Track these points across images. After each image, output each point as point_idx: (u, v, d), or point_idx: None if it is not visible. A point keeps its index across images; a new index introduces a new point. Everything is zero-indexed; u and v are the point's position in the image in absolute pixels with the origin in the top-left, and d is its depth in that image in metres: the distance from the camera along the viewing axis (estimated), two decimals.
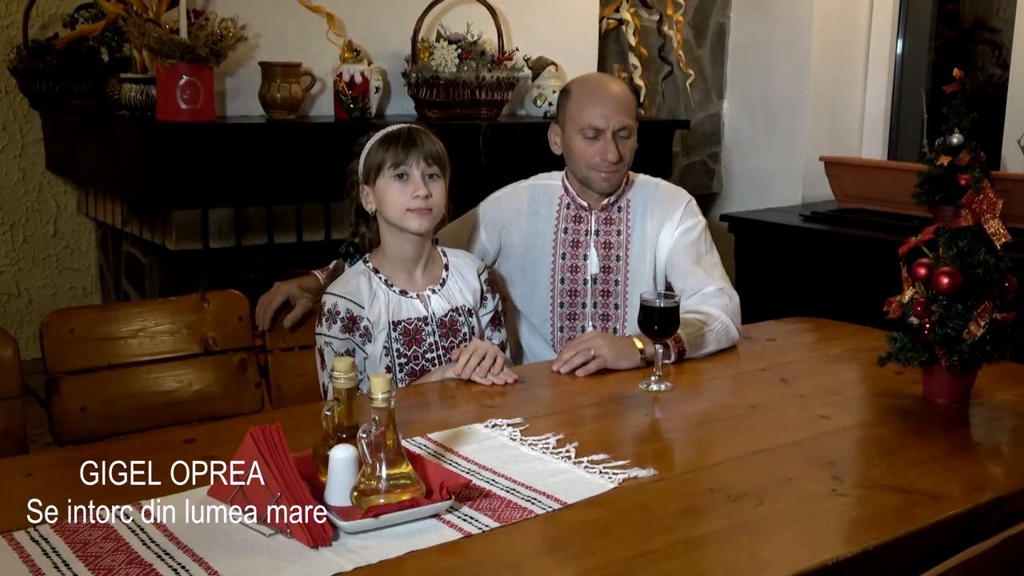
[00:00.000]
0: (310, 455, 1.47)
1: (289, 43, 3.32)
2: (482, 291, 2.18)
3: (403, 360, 2.07)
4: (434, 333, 2.09)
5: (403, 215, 2.01)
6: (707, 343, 2.17)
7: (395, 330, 2.06)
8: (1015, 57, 3.89)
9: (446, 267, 2.15)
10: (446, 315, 2.10)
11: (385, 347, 2.06)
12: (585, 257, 2.37)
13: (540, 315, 2.41)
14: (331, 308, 2.04)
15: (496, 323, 2.23)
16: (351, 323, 2.03)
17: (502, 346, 2.21)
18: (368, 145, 2.06)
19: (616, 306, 2.38)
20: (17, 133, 3.77)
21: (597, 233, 2.38)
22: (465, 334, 2.11)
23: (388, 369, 2.06)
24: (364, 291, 2.05)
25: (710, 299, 2.25)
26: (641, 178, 2.44)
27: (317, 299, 2.22)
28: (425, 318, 2.09)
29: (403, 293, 2.08)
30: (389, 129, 2.05)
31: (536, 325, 2.42)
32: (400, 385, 2.04)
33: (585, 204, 2.38)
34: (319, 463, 1.44)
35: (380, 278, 2.08)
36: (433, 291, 2.11)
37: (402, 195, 2.00)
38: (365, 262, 2.10)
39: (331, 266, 2.27)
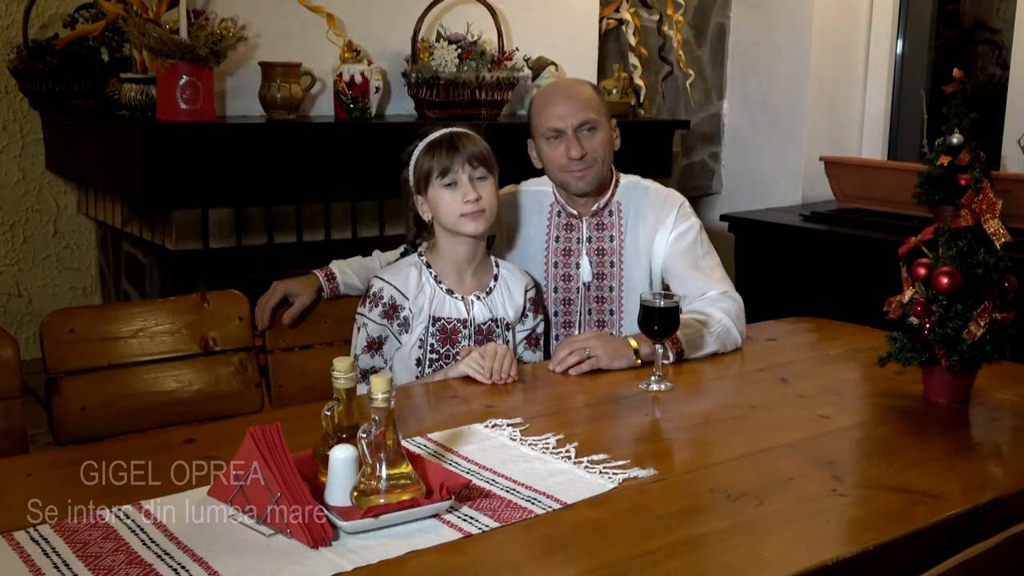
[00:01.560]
0: (310, 455, 1.47)
1: (289, 43, 3.32)
2: (524, 308, 2.21)
3: (434, 356, 2.10)
4: (470, 337, 2.12)
5: (457, 220, 2.06)
6: (706, 344, 2.17)
7: (434, 325, 2.10)
8: (1015, 57, 3.89)
9: (495, 277, 2.18)
10: (485, 323, 2.14)
11: (420, 339, 2.09)
12: (577, 265, 2.36)
13: None
14: (376, 292, 2.09)
15: (532, 343, 2.25)
16: (392, 310, 2.08)
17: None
18: (415, 155, 2.10)
19: (611, 312, 2.37)
20: (17, 133, 3.77)
21: (589, 240, 2.36)
22: None
23: (418, 362, 2.10)
24: (412, 282, 2.10)
25: (714, 303, 2.24)
26: (630, 179, 2.40)
27: (315, 296, 2.23)
28: (465, 321, 2.12)
29: (449, 292, 2.12)
30: (432, 136, 2.09)
31: None
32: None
33: (575, 212, 2.36)
34: (319, 463, 1.44)
35: (431, 273, 2.12)
36: (478, 297, 2.14)
37: (453, 202, 2.04)
38: (420, 255, 2.15)
39: (333, 266, 2.28)
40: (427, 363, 2.10)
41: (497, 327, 2.15)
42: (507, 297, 2.19)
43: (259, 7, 3.27)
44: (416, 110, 3.48)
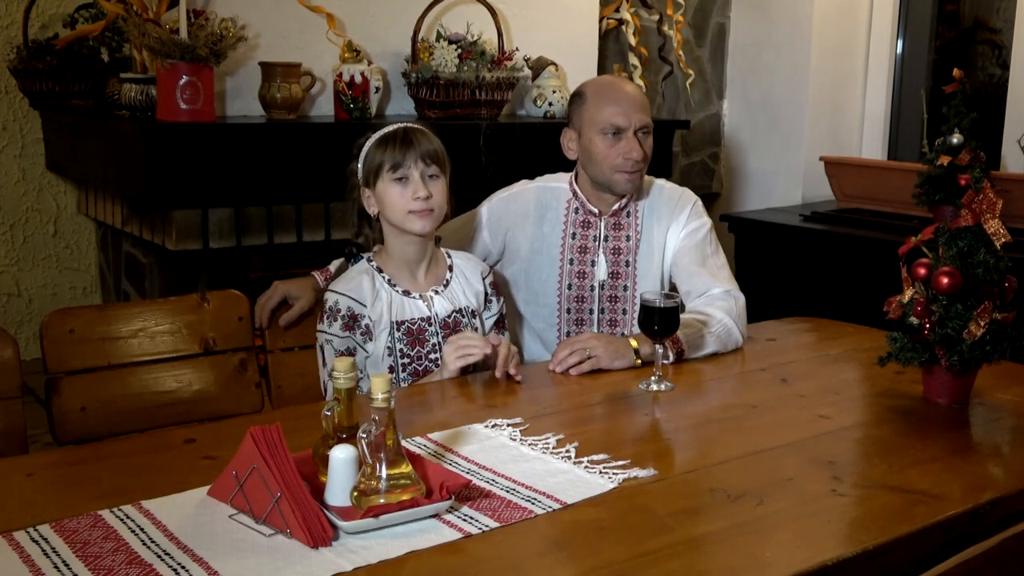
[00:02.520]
0: (310, 455, 1.47)
1: (289, 43, 3.32)
2: (486, 294, 2.19)
3: (406, 360, 2.07)
4: (437, 334, 2.09)
5: (404, 217, 2.01)
6: (706, 344, 2.17)
7: (398, 330, 2.06)
8: (1015, 57, 3.89)
9: (450, 268, 2.16)
10: (449, 316, 2.10)
11: (388, 347, 2.06)
12: (593, 263, 2.36)
13: (546, 320, 2.40)
14: (332, 306, 2.04)
15: (500, 326, 2.23)
16: (352, 321, 2.04)
17: None
18: (366, 147, 2.06)
19: (624, 311, 2.37)
20: (17, 133, 3.77)
21: (606, 239, 2.36)
22: None
23: (391, 369, 2.06)
24: (367, 289, 2.05)
25: (715, 301, 2.24)
26: (646, 179, 2.41)
27: (315, 299, 2.23)
28: (428, 318, 2.09)
29: (406, 293, 2.08)
30: (385, 130, 2.05)
31: (541, 330, 2.41)
32: (402, 385, 2.04)
33: (596, 210, 2.36)
34: (319, 463, 1.44)
35: (383, 277, 2.08)
36: (436, 292, 2.11)
37: (402, 197, 2.00)
38: (368, 261, 2.10)
39: (332, 267, 2.26)
40: (400, 368, 2.07)
41: (463, 317, 2.12)
42: (466, 285, 2.15)
43: (259, 7, 3.27)
44: (416, 110, 3.48)
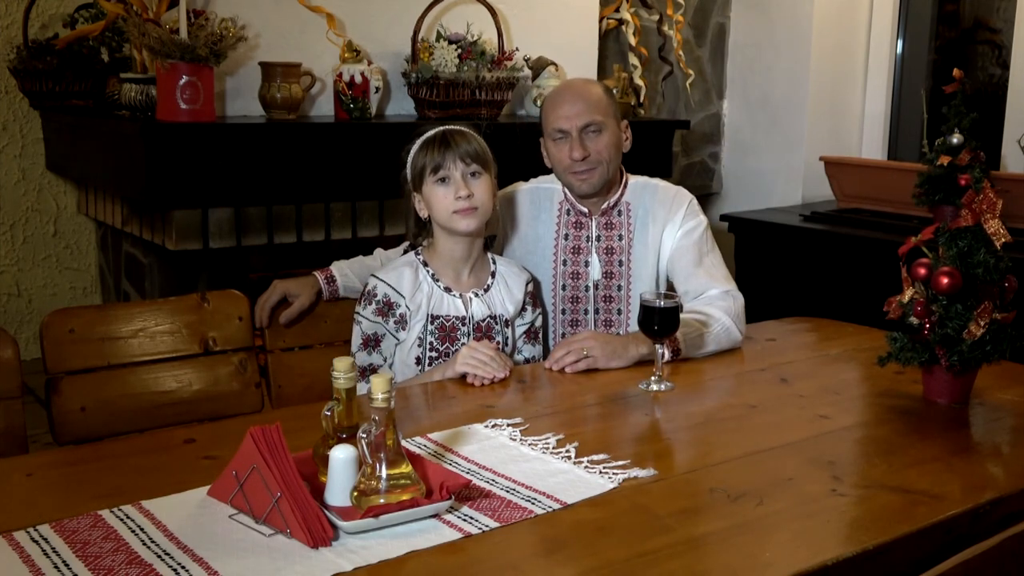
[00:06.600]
0: (310, 455, 1.47)
1: (289, 43, 3.32)
2: (524, 303, 2.21)
3: (434, 354, 2.10)
4: (469, 335, 2.12)
5: (450, 217, 2.05)
6: (706, 344, 2.17)
7: (432, 323, 2.10)
8: (1015, 57, 3.89)
9: (493, 274, 2.19)
10: (483, 320, 2.14)
11: (419, 338, 2.10)
12: (586, 264, 2.36)
13: None
14: (370, 289, 2.11)
15: (532, 336, 2.25)
16: (387, 308, 2.09)
17: (532, 360, 2.24)
18: (411, 153, 2.11)
19: (619, 311, 2.37)
20: (17, 133, 3.77)
21: (599, 239, 2.36)
22: (499, 343, 2.14)
23: (418, 360, 2.10)
24: (407, 280, 2.10)
25: (715, 301, 2.24)
26: (639, 180, 2.41)
27: (314, 297, 2.24)
28: (463, 318, 2.12)
29: (447, 290, 2.12)
30: (427, 134, 2.10)
31: None
32: None
33: (585, 210, 2.37)
34: (319, 463, 1.44)
35: (428, 271, 2.13)
36: (476, 294, 2.15)
37: (446, 198, 2.05)
38: (417, 254, 2.15)
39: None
40: (427, 361, 2.11)
41: (496, 323, 2.16)
42: (506, 293, 2.18)
43: (259, 7, 3.27)
44: (416, 110, 3.48)
